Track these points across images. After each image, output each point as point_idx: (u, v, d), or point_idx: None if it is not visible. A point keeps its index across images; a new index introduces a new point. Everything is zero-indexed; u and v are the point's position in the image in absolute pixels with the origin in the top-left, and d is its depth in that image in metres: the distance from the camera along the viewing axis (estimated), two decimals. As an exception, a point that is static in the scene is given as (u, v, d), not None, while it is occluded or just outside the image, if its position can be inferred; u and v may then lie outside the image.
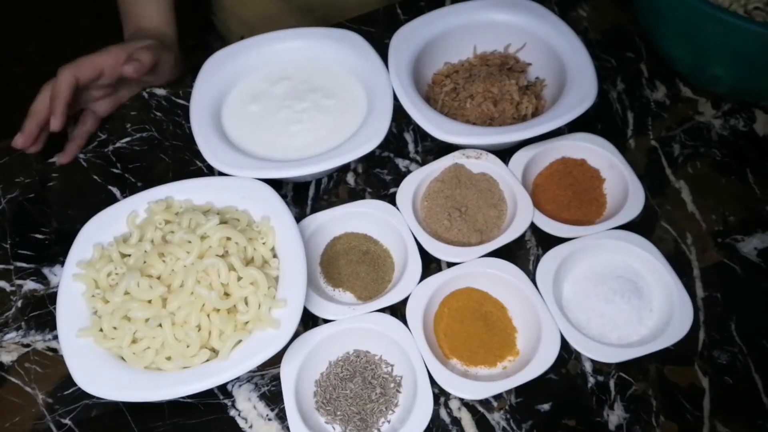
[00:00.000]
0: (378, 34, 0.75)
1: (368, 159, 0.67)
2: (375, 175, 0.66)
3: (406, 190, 0.61)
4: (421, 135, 0.69)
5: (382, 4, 0.79)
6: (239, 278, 0.52)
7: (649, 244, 0.58)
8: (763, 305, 0.58)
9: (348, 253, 0.60)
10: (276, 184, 0.60)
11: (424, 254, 0.58)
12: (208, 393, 0.54)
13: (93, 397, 0.50)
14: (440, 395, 0.54)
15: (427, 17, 0.68)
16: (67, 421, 0.53)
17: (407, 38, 0.67)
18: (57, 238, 0.63)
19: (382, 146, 0.64)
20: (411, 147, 0.68)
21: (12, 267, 0.61)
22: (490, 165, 0.63)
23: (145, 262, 0.53)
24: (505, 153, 0.64)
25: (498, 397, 0.54)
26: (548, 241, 0.59)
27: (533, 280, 0.56)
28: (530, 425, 0.52)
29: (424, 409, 0.50)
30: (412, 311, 0.54)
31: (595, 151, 0.64)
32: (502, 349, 0.55)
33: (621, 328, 0.55)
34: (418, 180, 0.62)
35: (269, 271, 0.54)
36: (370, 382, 0.53)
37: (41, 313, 0.59)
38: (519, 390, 0.54)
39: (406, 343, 0.53)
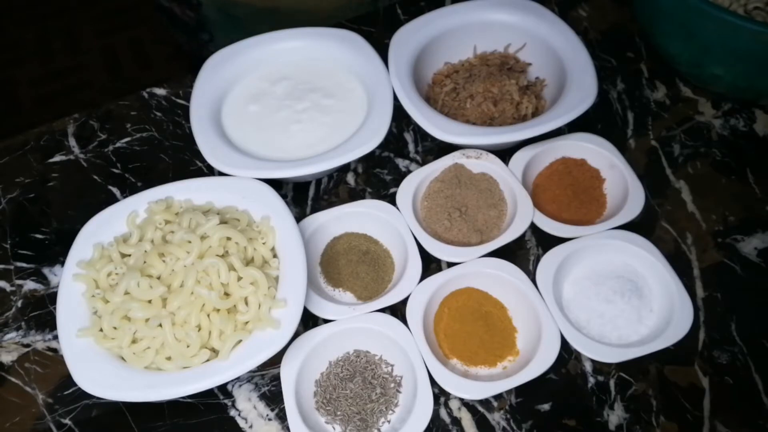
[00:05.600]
0: (378, 34, 0.75)
1: (368, 159, 0.67)
2: (375, 175, 0.66)
3: (406, 190, 0.61)
4: (421, 135, 0.69)
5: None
6: (239, 278, 0.52)
7: (649, 244, 0.58)
8: (763, 305, 0.58)
9: (348, 253, 0.60)
10: (276, 184, 0.60)
11: (424, 254, 0.58)
12: (208, 393, 0.54)
13: (93, 397, 0.50)
14: (440, 395, 0.54)
15: (427, 17, 0.68)
16: (67, 421, 0.53)
17: (407, 38, 0.67)
18: (57, 238, 0.63)
19: (382, 146, 0.64)
20: (411, 147, 0.68)
21: (12, 267, 0.61)
22: (490, 165, 0.63)
23: (145, 262, 0.53)
24: (505, 153, 0.64)
25: (498, 397, 0.54)
26: (548, 241, 0.59)
27: (533, 280, 0.56)
28: (530, 425, 0.52)
29: (424, 409, 0.50)
30: (412, 311, 0.54)
31: (595, 151, 0.64)
32: (502, 349, 0.55)
33: (621, 328, 0.55)
34: (418, 180, 0.62)
35: (269, 271, 0.54)
36: (370, 382, 0.53)
37: (41, 313, 0.59)
38: (519, 390, 0.54)
39: (406, 343, 0.53)
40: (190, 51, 0.92)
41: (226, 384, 0.54)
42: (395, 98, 0.62)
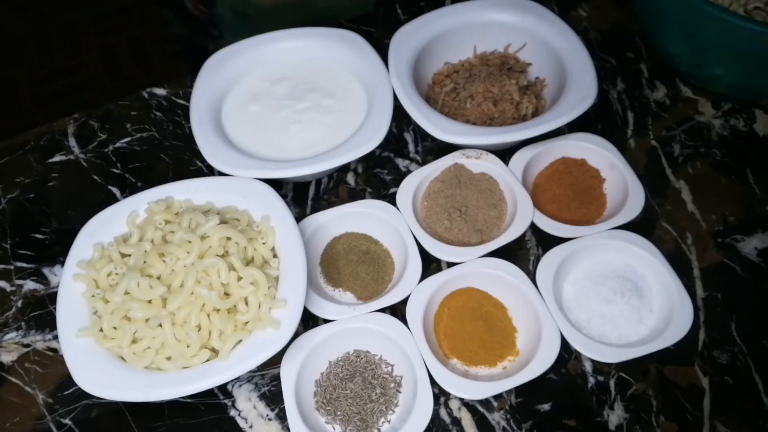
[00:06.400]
0: (378, 34, 0.75)
1: (368, 159, 0.67)
2: (375, 175, 0.66)
3: (406, 190, 0.61)
4: (421, 135, 0.69)
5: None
6: (239, 278, 0.52)
7: (649, 244, 0.58)
8: (763, 305, 0.58)
9: (348, 253, 0.60)
10: (276, 184, 0.60)
11: (424, 254, 0.58)
12: (208, 393, 0.54)
13: (93, 397, 0.50)
14: (440, 395, 0.54)
15: (427, 17, 0.68)
16: (67, 421, 0.53)
17: (407, 38, 0.67)
18: (57, 238, 0.63)
19: (382, 146, 0.64)
20: (411, 147, 0.68)
21: (12, 267, 0.61)
22: (490, 165, 0.63)
23: (145, 262, 0.53)
24: (505, 153, 0.64)
25: (498, 397, 0.54)
26: (548, 241, 0.59)
27: (533, 280, 0.56)
28: (530, 425, 0.52)
29: (424, 409, 0.50)
30: (412, 311, 0.54)
31: (595, 151, 0.64)
32: (502, 349, 0.55)
33: (621, 328, 0.55)
34: (418, 180, 0.62)
35: (269, 271, 0.54)
36: (370, 382, 0.53)
37: (41, 313, 0.59)
38: (519, 390, 0.54)
39: (406, 343, 0.53)
40: (193, 46, 0.92)
41: (226, 384, 0.54)
42: (395, 98, 0.62)
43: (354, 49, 0.67)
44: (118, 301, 0.51)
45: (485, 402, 0.53)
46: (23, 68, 1.73)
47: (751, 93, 0.68)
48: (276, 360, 0.52)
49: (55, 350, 0.57)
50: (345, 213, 0.61)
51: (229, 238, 0.54)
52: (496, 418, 0.53)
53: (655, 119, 0.69)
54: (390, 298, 0.55)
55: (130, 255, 0.54)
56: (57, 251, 0.62)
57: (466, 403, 0.53)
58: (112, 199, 0.65)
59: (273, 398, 0.54)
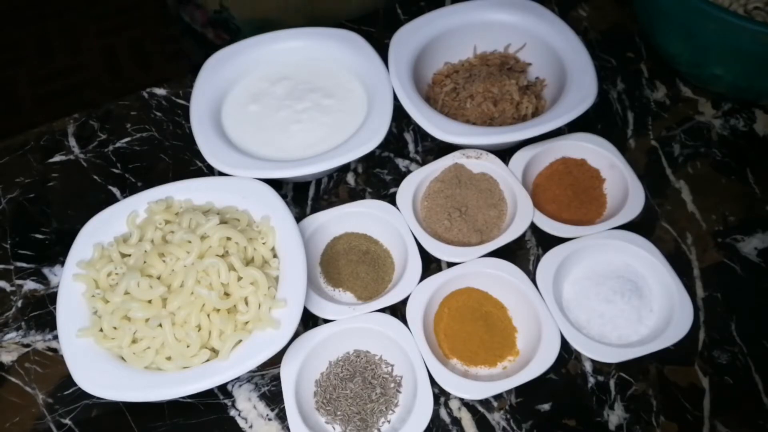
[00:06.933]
0: (378, 34, 0.75)
1: (368, 159, 0.67)
2: (375, 175, 0.66)
3: (406, 190, 0.61)
4: (421, 135, 0.69)
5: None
6: (239, 278, 0.52)
7: (649, 244, 0.58)
8: (763, 305, 0.58)
9: (348, 253, 0.60)
10: (276, 184, 0.60)
11: (424, 254, 0.58)
12: (208, 393, 0.54)
13: (93, 397, 0.50)
14: (440, 395, 0.54)
15: (427, 17, 0.68)
16: (67, 421, 0.53)
17: (407, 38, 0.67)
18: (57, 238, 0.63)
19: (382, 146, 0.64)
20: (411, 147, 0.68)
21: (12, 267, 0.61)
22: (490, 165, 0.63)
23: (145, 262, 0.53)
24: (505, 153, 0.64)
25: (498, 397, 0.54)
26: (548, 241, 0.59)
27: (533, 280, 0.56)
28: (530, 425, 0.52)
29: (424, 409, 0.50)
30: (412, 311, 0.54)
31: (595, 151, 0.64)
32: (502, 349, 0.55)
33: (621, 328, 0.55)
34: (418, 180, 0.62)
35: (269, 271, 0.54)
36: (370, 382, 0.53)
37: (41, 313, 0.59)
38: (519, 390, 0.54)
39: (406, 343, 0.53)
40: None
41: (226, 384, 0.54)
42: (395, 98, 0.62)
43: (354, 49, 0.67)
44: (118, 301, 0.51)
45: (485, 402, 0.53)
46: (23, 68, 1.73)
47: (751, 93, 0.68)
48: (276, 360, 0.52)
49: (55, 350, 0.57)
50: (345, 213, 0.61)
51: (229, 238, 0.54)
52: (496, 418, 0.53)
53: (655, 119, 0.69)
54: (390, 298, 0.55)
55: (130, 255, 0.54)
56: (57, 251, 0.62)
57: (466, 403, 0.53)
58: (112, 199, 0.65)
59: (273, 398, 0.54)
